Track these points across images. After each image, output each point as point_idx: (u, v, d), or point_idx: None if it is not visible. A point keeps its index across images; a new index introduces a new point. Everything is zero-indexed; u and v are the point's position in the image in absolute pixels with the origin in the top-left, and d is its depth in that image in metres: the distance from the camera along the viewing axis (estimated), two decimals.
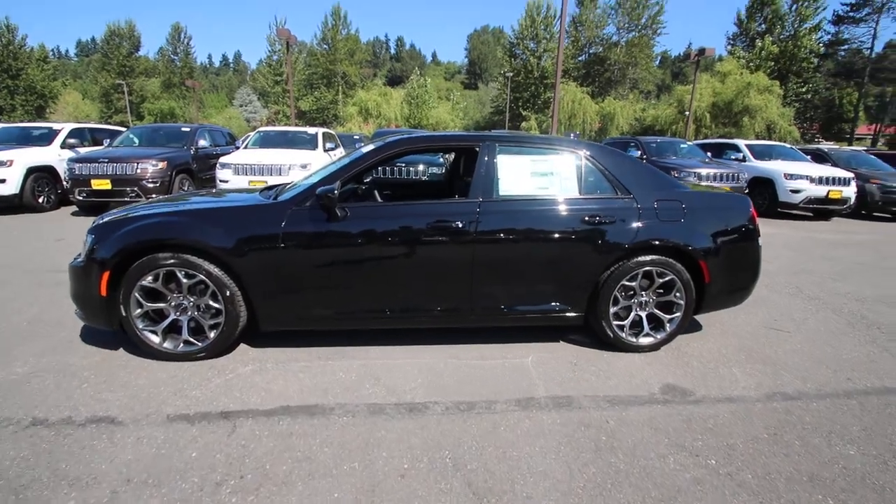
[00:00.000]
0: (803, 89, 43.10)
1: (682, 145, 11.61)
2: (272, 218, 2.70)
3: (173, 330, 2.81)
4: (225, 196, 3.32)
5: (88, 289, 2.68)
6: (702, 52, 23.69)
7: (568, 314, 3.01)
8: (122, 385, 2.54)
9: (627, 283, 2.99)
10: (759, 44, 43.28)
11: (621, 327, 3.06)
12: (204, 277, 2.67)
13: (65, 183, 8.07)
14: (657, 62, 55.34)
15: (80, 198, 7.89)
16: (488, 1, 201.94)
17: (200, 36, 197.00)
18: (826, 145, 19.92)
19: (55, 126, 9.57)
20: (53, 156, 8.83)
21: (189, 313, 2.78)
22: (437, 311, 2.91)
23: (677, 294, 3.04)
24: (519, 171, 2.95)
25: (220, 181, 8.00)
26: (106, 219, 2.86)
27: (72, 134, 9.47)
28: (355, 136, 16.97)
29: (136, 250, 2.64)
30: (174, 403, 2.36)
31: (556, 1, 49.79)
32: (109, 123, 34.96)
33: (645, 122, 41.88)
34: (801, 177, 9.66)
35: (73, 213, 8.41)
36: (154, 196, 7.81)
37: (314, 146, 9.24)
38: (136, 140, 9.41)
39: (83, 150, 9.13)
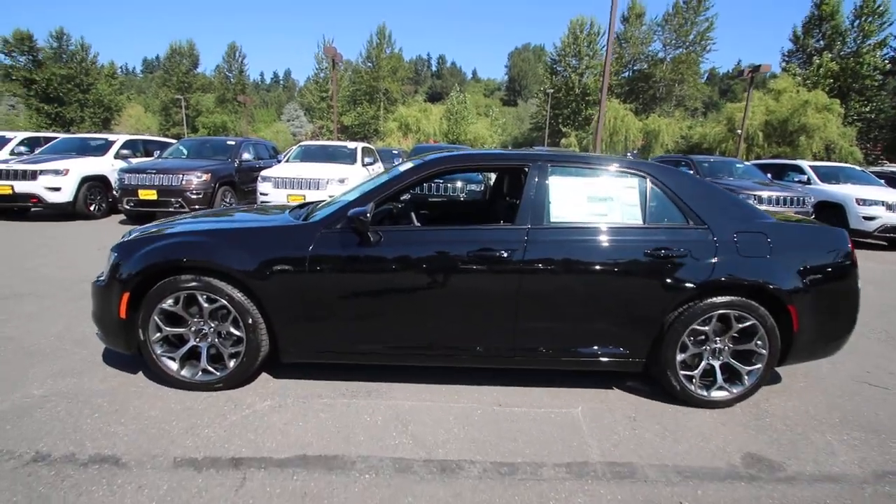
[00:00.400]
0: (866, 108, 40.45)
1: (737, 165, 10.87)
2: (300, 240, 2.48)
3: (193, 356, 2.62)
4: (254, 214, 3.15)
5: (108, 310, 2.53)
6: (756, 68, 22.62)
7: (625, 360, 2.62)
8: (134, 417, 2.34)
9: (698, 328, 2.57)
10: (818, 61, 41.12)
11: (689, 378, 2.63)
12: (226, 302, 2.47)
13: (115, 192, 8.32)
14: (704, 79, 53.54)
15: (128, 207, 8.11)
16: (530, 19, 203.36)
17: (254, 54, 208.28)
18: (891, 167, 18.34)
19: (111, 137, 9.99)
20: (107, 166, 9.16)
21: (209, 340, 2.58)
22: (475, 350, 2.59)
23: (758, 343, 2.59)
24: (573, 194, 2.62)
25: (261, 194, 8.04)
26: (130, 236, 2.73)
27: (126, 145, 9.84)
28: (394, 151, 17.04)
29: (158, 271, 2.47)
30: (184, 443, 2.14)
31: (600, 18, 49.33)
32: (167, 136, 36.92)
33: (692, 141, 40.37)
34: (875, 202, 8.77)
35: (121, 222, 8.65)
36: (196, 208, 7.93)
37: (353, 161, 9.20)
38: (185, 152, 9.66)
39: (135, 161, 9.44)
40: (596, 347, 2.60)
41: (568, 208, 2.58)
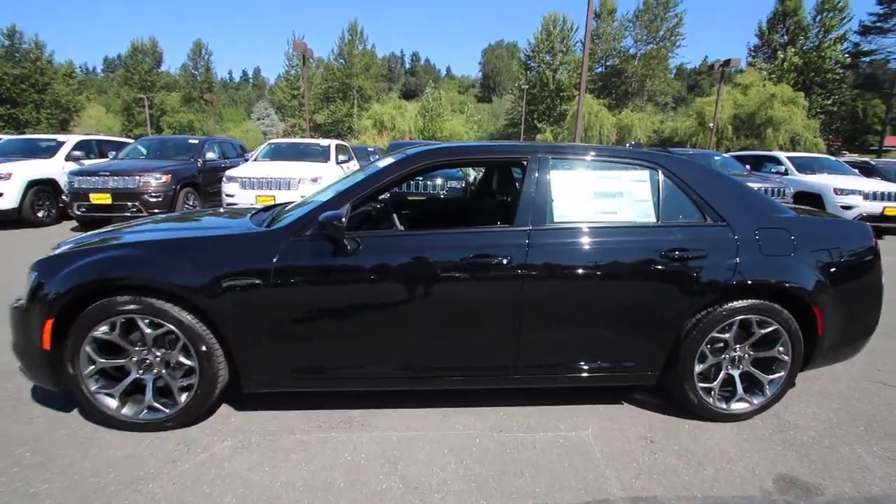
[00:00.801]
0: (828, 101, 41.93)
1: (715, 157, 10.85)
2: (262, 250, 2.10)
3: (137, 390, 2.21)
4: (210, 220, 2.74)
5: (29, 339, 2.09)
6: (727, 62, 22.97)
7: (639, 373, 2.34)
8: (62, 470, 1.93)
9: (718, 335, 2.31)
10: (782, 55, 42.36)
11: (708, 391, 2.37)
12: (173, 327, 2.07)
13: (64, 197, 7.66)
14: (673, 74, 54.51)
15: (80, 213, 7.46)
16: (503, 16, 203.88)
17: (222, 52, 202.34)
18: (851, 157, 18.89)
19: (60, 138, 9.26)
20: (56, 168, 8.46)
21: (155, 371, 2.18)
22: (472, 371, 2.27)
23: (781, 349, 2.35)
24: (579, 191, 2.31)
25: (226, 195, 7.52)
26: (58, 250, 2.29)
27: (78, 146, 9.12)
28: (369, 149, 16.55)
29: (88, 292, 2.05)
30: None
31: (573, 14, 49.60)
32: (130, 136, 35.35)
33: (664, 135, 41.06)
34: (853, 192, 8.83)
35: (73, 229, 7.99)
36: (155, 212, 7.36)
37: (326, 159, 8.73)
38: (143, 152, 9.02)
39: (88, 163, 8.76)
40: (607, 360, 2.31)
41: (573, 206, 2.27)
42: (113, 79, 74.60)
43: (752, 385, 2.43)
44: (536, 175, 2.26)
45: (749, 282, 2.22)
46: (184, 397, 2.17)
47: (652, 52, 47.95)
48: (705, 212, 2.30)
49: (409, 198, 7.36)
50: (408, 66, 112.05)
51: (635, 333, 2.27)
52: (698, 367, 2.33)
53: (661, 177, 2.33)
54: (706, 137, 35.26)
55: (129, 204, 7.35)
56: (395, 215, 2.51)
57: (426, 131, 43.00)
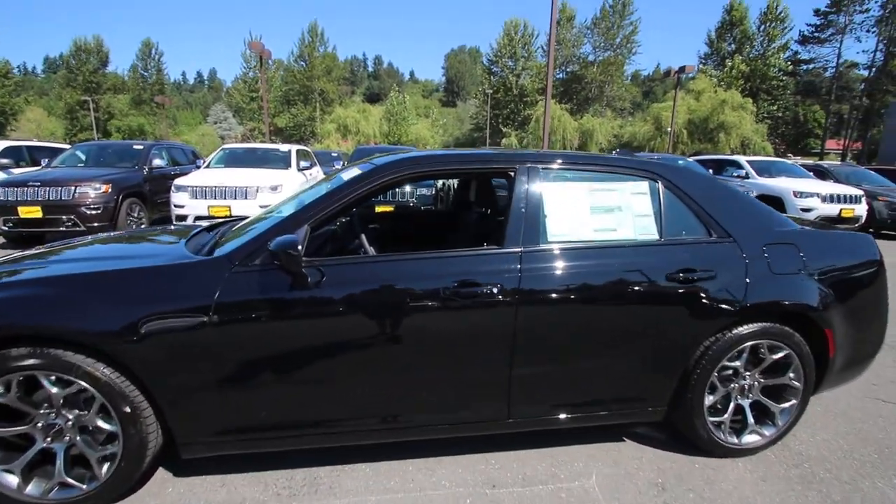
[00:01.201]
0: (774, 107, 44.32)
1: (679, 161, 11.02)
2: (199, 284, 1.71)
3: (46, 460, 1.77)
4: (135, 246, 2.30)
5: None
6: (682, 69, 23.76)
7: (645, 410, 2.10)
8: None
9: (728, 363, 2.09)
10: (730, 63, 44.49)
11: (718, 425, 2.15)
12: (86, 384, 1.65)
13: None
14: (628, 80, 56.28)
15: (6, 228, 6.67)
16: (465, 21, 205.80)
17: (175, 53, 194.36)
18: (801, 160, 19.88)
19: None
20: None
21: (66, 439, 1.74)
22: (459, 418, 1.96)
23: (792, 375, 2.16)
24: (573, 205, 2.04)
25: (175, 206, 6.90)
26: None
27: (5, 153, 8.24)
28: (333, 154, 15.99)
29: None
30: None
31: (533, 20, 50.33)
32: (74, 141, 33.00)
33: (623, 139, 42.20)
34: (811, 194, 9.12)
35: (0, 246, 7.15)
36: (94, 226, 6.68)
37: (287, 165, 8.23)
38: (82, 159, 8.22)
39: (17, 172, 7.90)
40: (610, 397, 2.05)
41: (568, 223, 2.00)
42: (54, 80, 70.04)
43: (762, 415, 2.23)
44: (526, 188, 1.98)
45: (760, 303, 2.01)
46: (105, 469, 1.75)
47: (610, 59, 49.32)
48: (710, 226, 2.08)
49: (378, 208, 7.04)
50: (371, 69, 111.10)
51: (641, 365, 2.02)
52: (708, 400, 2.11)
53: (661, 188, 2.09)
54: (664, 141, 36.54)
55: (64, 218, 6.62)
56: (363, 234, 2.16)
57: (391, 135, 42.49)
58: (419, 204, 7.17)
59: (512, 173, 2.00)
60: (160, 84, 59.26)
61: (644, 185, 2.08)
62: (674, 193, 2.08)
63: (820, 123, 46.96)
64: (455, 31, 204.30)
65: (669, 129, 27.32)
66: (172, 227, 2.76)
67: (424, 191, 7.31)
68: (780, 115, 44.86)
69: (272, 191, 6.93)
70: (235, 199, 6.83)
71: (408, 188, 7.20)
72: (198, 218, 6.77)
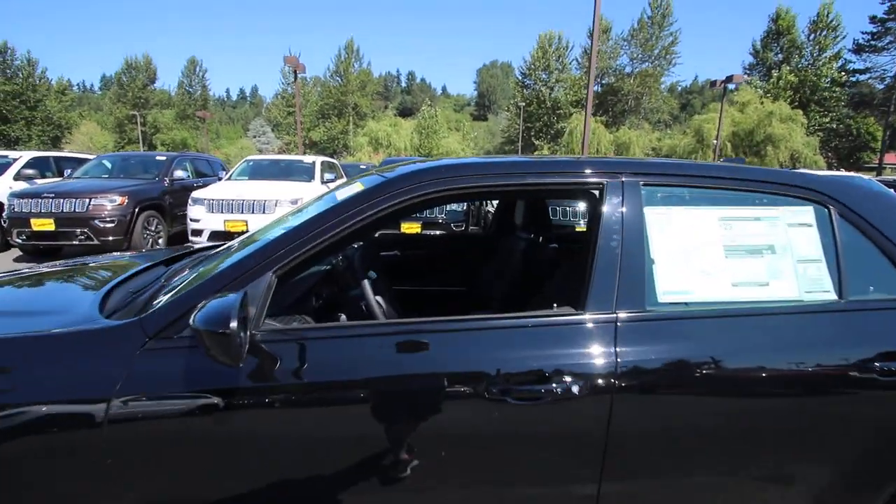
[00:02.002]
0: (826, 119, 41.86)
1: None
2: (92, 368, 1.09)
3: None
4: (33, 295, 1.67)
5: None
6: (729, 79, 22.60)
7: None
8: None
9: None
10: (777, 73, 42.45)
11: None
12: None
13: (2, 223, 6.63)
14: (664, 92, 54.57)
15: (20, 241, 6.47)
16: (498, 36, 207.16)
17: (219, 71, 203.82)
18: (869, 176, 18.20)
19: (13, 154, 8.27)
20: (3, 189, 7.44)
21: None
22: None
23: None
24: (698, 243, 1.31)
25: (191, 220, 6.52)
26: None
27: (31, 164, 8.13)
28: (362, 166, 15.64)
29: None
30: None
31: (567, 33, 49.75)
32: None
33: (661, 152, 40.72)
34: None
35: (17, 259, 6.94)
36: (109, 240, 6.35)
37: (310, 177, 7.77)
38: (107, 169, 8.03)
39: (41, 183, 7.76)
40: None
41: (690, 272, 1.27)
42: (107, 96, 74.34)
43: None
44: (622, 213, 1.27)
45: None
46: None
47: (647, 70, 48.00)
48: None
49: (403, 226, 6.41)
50: (404, 84, 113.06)
51: (807, 495, 1.25)
52: None
53: (834, 217, 1.33)
54: (706, 155, 34.88)
55: (77, 231, 6.35)
56: (365, 280, 1.48)
57: (422, 148, 42.42)
58: (449, 221, 6.52)
59: (598, 191, 1.30)
60: (204, 99, 61.83)
61: (808, 213, 1.34)
62: (856, 227, 1.32)
63: (875, 136, 43.97)
64: (487, 47, 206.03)
65: (715, 140, 25.93)
66: (126, 258, 2.15)
67: (454, 206, 6.66)
68: (832, 127, 42.31)
69: (292, 205, 6.44)
70: (253, 213, 6.39)
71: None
72: (213, 233, 6.36)
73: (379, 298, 1.52)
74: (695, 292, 1.24)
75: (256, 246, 1.24)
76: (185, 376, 1.09)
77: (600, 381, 1.14)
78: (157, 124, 57.14)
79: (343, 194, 1.35)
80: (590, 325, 1.18)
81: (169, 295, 1.22)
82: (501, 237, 2.61)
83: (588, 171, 1.35)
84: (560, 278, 1.58)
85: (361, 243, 1.85)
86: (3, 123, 49.44)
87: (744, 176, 1.38)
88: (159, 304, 1.17)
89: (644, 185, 1.31)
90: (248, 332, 1.04)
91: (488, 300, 2.44)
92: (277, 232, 1.26)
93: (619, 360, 1.15)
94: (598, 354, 1.15)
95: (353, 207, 1.22)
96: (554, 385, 1.13)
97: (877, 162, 42.38)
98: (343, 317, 1.49)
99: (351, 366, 1.15)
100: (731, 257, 1.29)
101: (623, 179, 1.31)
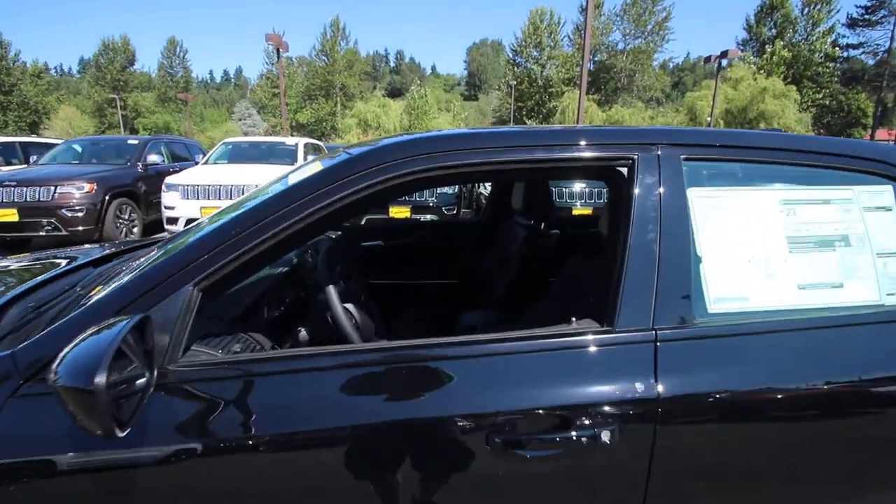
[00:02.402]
0: (819, 94, 41.66)
1: None
2: None
3: None
4: None
5: None
6: (724, 54, 22.14)
7: None
8: None
9: None
10: (770, 49, 42.01)
11: None
12: None
13: None
14: (656, 70, 53.87)
15: None
16: (487, 14, 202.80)
17: (202, 52, 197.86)
18: None
19: None
20: None
21: None
22: None
23: None
24: (753, 234, 1.02)
25: (165, 207, 6.13)
26: None
27: None
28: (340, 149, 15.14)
29: None
30: None
31: (559, 9, 48.70)
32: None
33: None
34: None
35: None
36: (78, 230, 5.97)
37: (293, 160, 7.36)
38: (73, 156, 7.56)
39: (5, 170, 7.29)
40: None
41: (748, 272, 0.98)
42: (85, 79, 71.98)
43: None
44: (659, 196, 0.97)
45: None
46: None
47: (640, 47, 47.23)
48: None
49: (392, 210, 6.08)
50: (392, 64, 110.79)
51: None
52: None
53: None
54: None
55: (43, 221, 5.94)
56: (331, 287, 1.17)
57: (412, 129, 41.67)
58: (440, 204, 6.20)
59: (626, 168, 1.00)
60: (186, 82, 60.10)
61: (887, 194, 1.05)
62: None
63: (866, 112, 43.83)
64: (477, 25, 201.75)
65: (709, 118, 25.65)
66: (47, 255, 1.80)
67: (446, 189, 6.33)
68: (825, 103, 42.15)
69: None
70: (231, 198, 6.00)
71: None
72: (189, 221, 5.99)
73: (350, 306, 1.22)
74: (753, 298, 0.96)
75: (175, 250, 0.93)
76: (62, 441, 0.78)
77: (637, 422, 0.87)
78: (138, 108, 55.46)
79: (295, 178, 1.04)
80: (621, 346, 0.90)
81: (66, 316, 0.91)
82: (497, 223, 2.31)
83: (612, 142, 1.04)
84: (576, 280, 1.29)
85: (333, 234, 1.55)
86: None
87: (808, 147, 1.08)
88: (39, 333, 0.86)
89: (686, 159, 1.01)
90: (153, 373, 0.75)
91: (483, 295, 2.17)
92: (205, 230, 0.95)
93: (661, 392, 0.87)
94: (633, 387, 0.87)
95: (303, 196, 0.91)
96: (575, 432, 0.85)
97: (868, 138, 42.37)
98: (303, 332, 1.20)
99: (299, 413, 0.86)
100: (797, 252, 1.00)
101: (659, 153, 1.00)
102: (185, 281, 0.85)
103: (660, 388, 0.88)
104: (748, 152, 1.04)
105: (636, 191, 0.98)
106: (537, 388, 0.89)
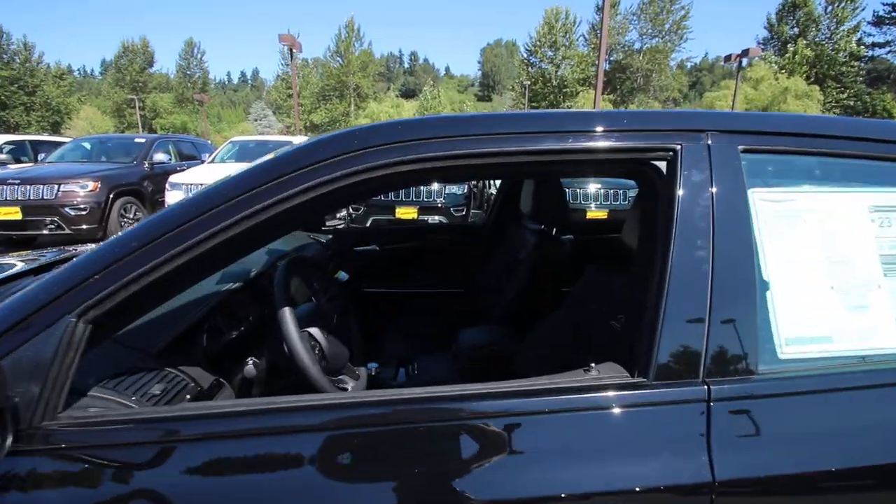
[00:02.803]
0: (843, 95, 40.46)
1: None
2: None
3: None
4: None
5: None
6: (745, 52, 21.57)
7: None
8: None
9: None
10: (792, 48, 40.96)
11: None
12: None
13: None
14: (673, 69, 52.96)
15: None
16: (502, 15, 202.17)
17: (221, 54, 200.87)
18: None
19: None
20: None
21: None
22: None
23: None
24: (838, 251, 0.77)
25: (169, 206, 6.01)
26: None
27: (2, 148, 7.64)
28: None
29: None
30: None
31: (575, 8, 48.26)
32: None
33: None
34: None
35: None
36: (82, 229, 5.90)
37: None
38: (80, 154, 7.53)
39: (14, 168, 7.28)
40: None
41: (831, 303, 0.73)
42: (105, 80, 73.59)
43: None
44: (710, 198, 0.73)
45: None
46: None
47: (658, 47, 46.43)
48: None
49: (399, 211, 5.86)
50: (406, 65, 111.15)
51: None
52: None
53: None
54: None
55: (46, 220, 5.88)
56: (287, 310, 0.94)
57: None
58: (448, 205, 5.97)
59: (664, 162, 0.75)
60: (203, 83, 61.07)
61: None
62: None
63: (891, 113, 42.43)
64: (491, 25, 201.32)
65: None
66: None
67: (455, 189, 6.10)
68: (849, 103, 40.95)
69: None
70: None
71: (435, 185, 5.99)
72: None
73: (315, 331, 0.99)
74: (839, 339, 0.71)
75: (56, 273, 0.70)
76: None
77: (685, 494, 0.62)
78: (157, 108, 56.41)
79: (231, 175, 0.82)
80: (659, 406, 0.66)
81: None
82: (504, 227, 2.08)
83: (647, 128, 0.79)
84: (594, 305, 1.04)
85: (323, 238, 1.33)
86: (2, 109, 48.99)
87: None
88: None
89: (746, 150, 0.76)
90: (6, 438, 0.54)
91: (485, 308, 1.94)
92: (99, 246, 0.73)
93: (716, 475, 0.62)
94: (676, 467, 0.63)
95: (233, 196, 0.69)
96: None
97: None
98: (250, 365, 0.98)
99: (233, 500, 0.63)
100: (893, 275, 0.75)
101: (709, 142, 0.76)
102: (62, 311, 0.64)
103: (715, 468, 0.63)
104: (829, 143, 0.78)
105: (679, 192, 0.73)
106: (538, 467, 0.64)
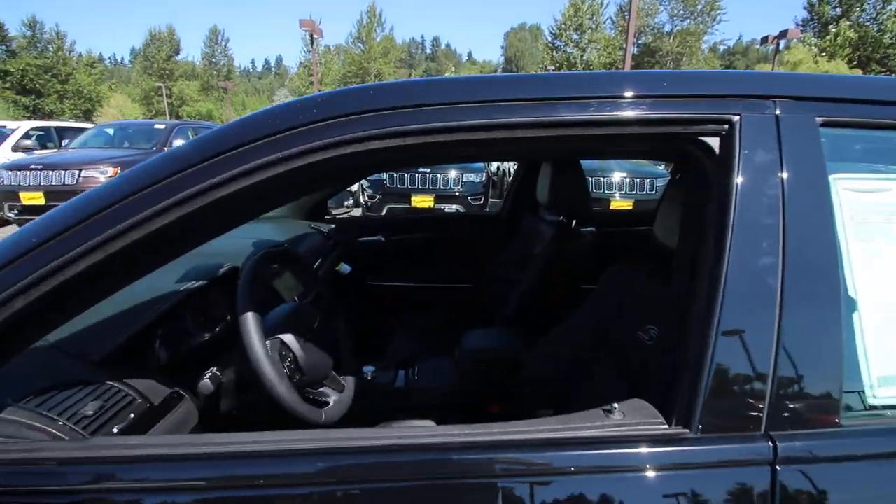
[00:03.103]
0: None
1: None
2: None
3: None
4: None
5: None
6: (783, 34, 20.59)
7: None
8: None
9: None
10: (834, 29, 38.84)
11: None
12: None
13: None
14: (704, 54, 50.93)
15: (12, 215, 6.19)
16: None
17: (246, 42, 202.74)
18: None
19: (11, 125, 7.96)
20: (1, 160, 7.15)
21: None
22: None
23: None
24: None
25: None
26: None
27: (30, 134, 7.80)
28: None
29: None
30: None
31: None
32: None
33: None
34: None
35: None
36: None
37: None
38: (102, 140, 7.64)
39: (40, 153, 7.45)
40: None
41: None
42: (134, 68, 75.40)
43: None
44: (779, 185, 0.55)
45: None
46: None
47: (689, 29, 44.67)
48: None
49: (415, 199, 5.72)
50: (428, 51, 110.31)
51: None
52: None
53: None
54: None
55: None
56: (250, 315, 0.79)
57: None
58: (465, 193, 5.79)
59: (717, 136, 0.57)
60: (228, 70, 61.99)
61: None
62: None
63: None
64: (515, 9, 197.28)
65: None
66: None
67: (473, 177, 5.90)
68: None
69: None
70: None
71: (453, 172, 5.81)
72: None
73: (289, 337, 0.83)
74: None
75: None
76: None
77: None
78: (183, 96, 57.55)
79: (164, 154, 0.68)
80: (707, 469, 0.49)
81: None
82: (519, 218, 1.90)
83: (695, 93, 0.60)
84: (613, 310, 0.87)
85: (324, 227, 1.19)
86: (38, 97, 50.70)
87: None
88: None
89: (825, 123, 0.58)
90: None
91: (495, 306, 1.79)
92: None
93: None
94: None
95: (161, 178, 0.55)
96: None
97: None
98: (206, 379, 0.84)
99: None
100: None
101: (778, 112, 0.57)
102: None
103: None
104: None
105: (738, 179, 0.55)
106: None
